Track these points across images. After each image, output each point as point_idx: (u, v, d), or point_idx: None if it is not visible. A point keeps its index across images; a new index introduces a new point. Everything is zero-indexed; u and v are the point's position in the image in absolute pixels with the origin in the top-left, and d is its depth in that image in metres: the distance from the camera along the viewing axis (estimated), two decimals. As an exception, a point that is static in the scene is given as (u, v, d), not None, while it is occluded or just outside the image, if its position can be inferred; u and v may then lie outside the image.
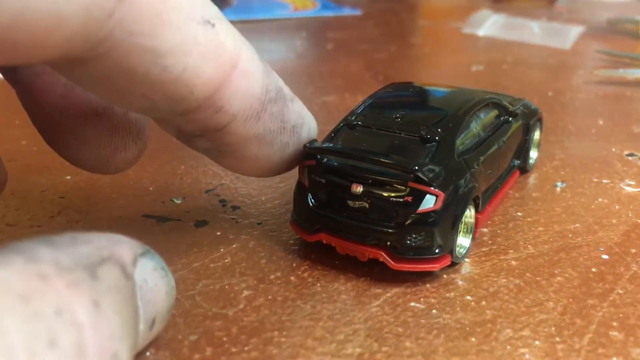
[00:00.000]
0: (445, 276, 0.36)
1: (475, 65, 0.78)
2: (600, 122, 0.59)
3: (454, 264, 0.36)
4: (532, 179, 0.48)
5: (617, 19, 0.95)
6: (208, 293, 0.34)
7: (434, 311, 0.33)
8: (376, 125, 0.37)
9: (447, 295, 0.34)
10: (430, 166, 0.33)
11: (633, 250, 0.38)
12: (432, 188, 0.33)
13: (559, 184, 0.47)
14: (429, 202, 0.33)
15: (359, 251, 0.35)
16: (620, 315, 0.32)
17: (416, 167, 0.33)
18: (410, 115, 0.38)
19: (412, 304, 0.33)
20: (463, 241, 0.36)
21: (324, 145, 0.36)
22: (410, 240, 0.34)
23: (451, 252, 0.35)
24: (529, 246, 0.39)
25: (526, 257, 0.37)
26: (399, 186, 0.33)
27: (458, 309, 0.33)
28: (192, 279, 0.35)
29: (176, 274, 0.36)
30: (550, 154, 0.52)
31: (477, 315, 0.32)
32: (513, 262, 0.37)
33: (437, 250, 0.34)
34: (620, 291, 0.34)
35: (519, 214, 0.42)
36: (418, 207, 0.33)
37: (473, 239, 0.38)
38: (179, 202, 0.44)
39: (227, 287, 0.35)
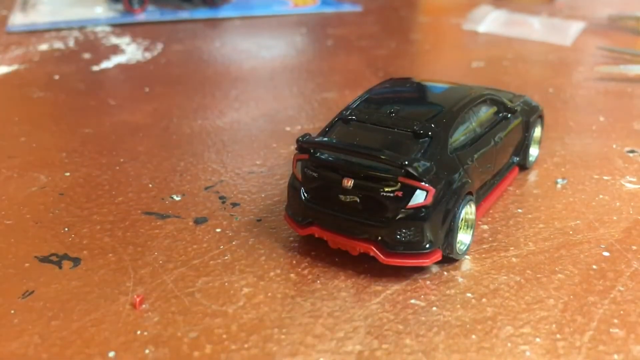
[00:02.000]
0: (445, 273, 0.35)
1: (476, 62, 0.78)
2: (601, 119, 0.59)
3: (454, 260, 0.36)
4: (532, 175, 0.48)
5: (618, 15, 0.95)
6: (208, 290, 0.34)
7: (434, 308, 0.33)
8: (370, 120, 0.37)
9: (448, 292, 0.34)
10: (421, 161, 0.33)
11: (634, 247, 0.38)
12: (422, 183, 0.33)
13: (559, 180, 0.47)
14: (419, 197, 0.33)
15: (350, 245, 0.35)
16: (621, 312, 0.32)
17: (406, 162, 0.33)
18: (405, 111, 0.38)
19: (413, 301, 0.33)
20: (463, 237, 0.36)
21: (316, 139, 0.36)
22: (400, 235, 0.34)
23: (443, 247, 0.35)
24: (529, 243, 0.38)
25: (527, 254, 0.37)
26: (389, 181, 0.33)
27: (458, 306, 0.33)
28: (192, 276, 0.35)
29: (175, 270, 0.36)
30: (550, 151, 0.51)
31: (478, 313, 0.32)
32: (514, 259, 0.37)
33: (427, 246, 0.34)
34: (621, 288, 0.34)
35: (519, 210, 0.42)
36: (408, 202, 0.33)
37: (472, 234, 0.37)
38: (179, 199, 0.44)
39: (226, 285, 0.35)
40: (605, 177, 0.47)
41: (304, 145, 0.36)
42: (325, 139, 0.37)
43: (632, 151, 0.52)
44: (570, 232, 0.40)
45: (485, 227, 0.40)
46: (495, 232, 0.40)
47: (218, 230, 0.40)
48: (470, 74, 0.74)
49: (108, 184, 0.46)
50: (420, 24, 1.06)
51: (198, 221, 0.41)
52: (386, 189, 0.33)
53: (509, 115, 0.44)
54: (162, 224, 0.41)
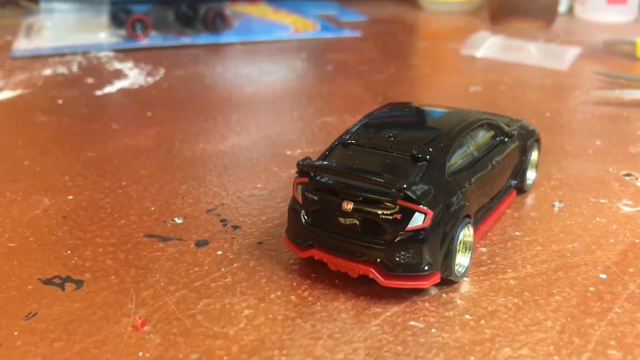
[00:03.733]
0: (444, 295, 0.36)
1: (474, 86, 0.79)
2: (597, 143, 0.59)
3: (453, 283, 0.37)
4: (530, 198, 0.48)
5: (614, 41, 0.96)
6: (209, 312, 0.34)
7: (433, 330, 0.33)
8: (370, 144, 0.38)
9: (446, 314, 0.34)
10: (419, 184, 0.34)
11: (631, 270, 0.38)
12: (420, 206, 0.33)
13: (556, 203, 0.47)
14: (417, 220, 0.34)
15: (350, 267, 0.35)
16: (619, 334, 0.32)
17: (405, 186, 0.33)
18: (404, 135, 0.39)
19: (412, 322, 0.33)
20: (462, 260, 0.37)
21: (316, 162, 0.37)
22: (399, 257, 0.34)
23: (442, 269, 0.35)
24: (527, 265, 0.39)
25: (525, 276, 0.38)
26: (388, 204, 0.34)
27: (457, 327, 0.33)
28: (193, 298, 0.36)
29: (177, 293, 0.36)
30: (548, 174, 0.52)
31: (476, 334, 0.33)
32: (512, 282, 0.37)
33: (426, 268, 0.34)
34: (618, 310, 0.34)
35: (517, 233, 0.43)
36: (407, 224, 0.34)
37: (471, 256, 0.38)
38: (180, 221, 0.45)
39: (227, 306, 0.35)
40: (601, 200, 0.48)
41: (304, 168, 0.37)
42: (325, 162, 0.37)
43: (628, 174, 0.52)
44: (568, 255, 0.40)
45: (484, 249, 0.41)
46: (494, 254, 0.40)
47: (219, 252, 0.40)
48: (469, 98, 0.75)
49: (110, 207, 0.47)
50: (419, 49, 1.08)
51: (199, 244, 0.42)
52: (385, 212, 0.34)
53: (506, 139, 0.44)
54: (164, 246, 0.41)
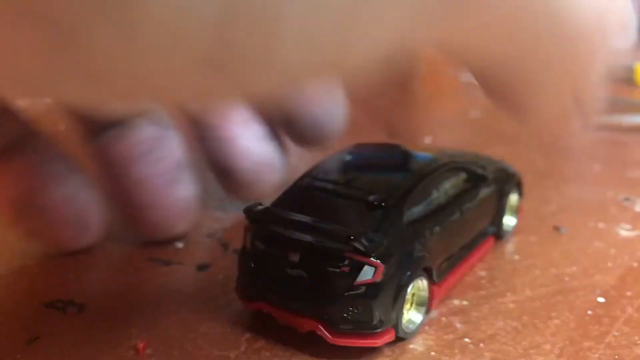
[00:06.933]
0: (443, 319, 0.36)
1: (473, 113, 0.80)
2: (596, 167, 0.60)
3: (452, 305, 0.37)
4: (528, 223, 0.48)
5: (611, 66, 0.98)
6: (210, 335, 0.35)
7: (432, 353, 0.33)
8: (325, 189, 0.35)
9: (446, 337, 0.34)
10: (370, 235, 0.31)
11: (628, 293, 0.39)
12: (370, 258, 0.31)
13: (555, 227, 0.47)
14: (367, 274, 0.31)
15: (298, 323, 0.33)
16: (616, 357, 0.33)
17: (352, 237, 0.31)
18: (363, 180, 0.36)
19: (411, 346, 0.34)
20: (413, 316, 0.34)
21: (264, 209, 0.35)
22: (347, 313, 0.31)
23: (395, 326, 0.32)
24: (526, 289, 0.39)
25: (524, 300, 0.38)
26: (336, 256, 0.31)
27: (456, 351, 0.33)
28: (195, 321, 0.36)
29: (178, 316, 0.36)
30: (546, 199, 0.52)
31: (476, 358, 0.33)
32: (511, 305, 0.37)
33: (377, 325, 0.31)
34: (616, 333, 0.35)
35: (516, 257, 0.43)
36: (355, 278, 0.31)
37: (427, 312, 0.35)
38: (181, 245, 0.45)
39: (228, 330, 0.35)
40: (600, 225, 0.48)
41: (251, 215, 0.35)
42: (273, 209, 0.35)
43: (626, 199, 0.53)
44: (566, 279, 0.40)
45: (483, 273, 0.41)
46: (493, 278, 0.40)
47: (220, 277, 0.41)
48: (467, 124, 0.76)
49: (110, 231, 0.47)
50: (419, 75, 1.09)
51: (200, 268, 0.42)
52: (332, 264, 0.31)
53: (480, 183, 0.41)
54: (165, 270, 0.42)
